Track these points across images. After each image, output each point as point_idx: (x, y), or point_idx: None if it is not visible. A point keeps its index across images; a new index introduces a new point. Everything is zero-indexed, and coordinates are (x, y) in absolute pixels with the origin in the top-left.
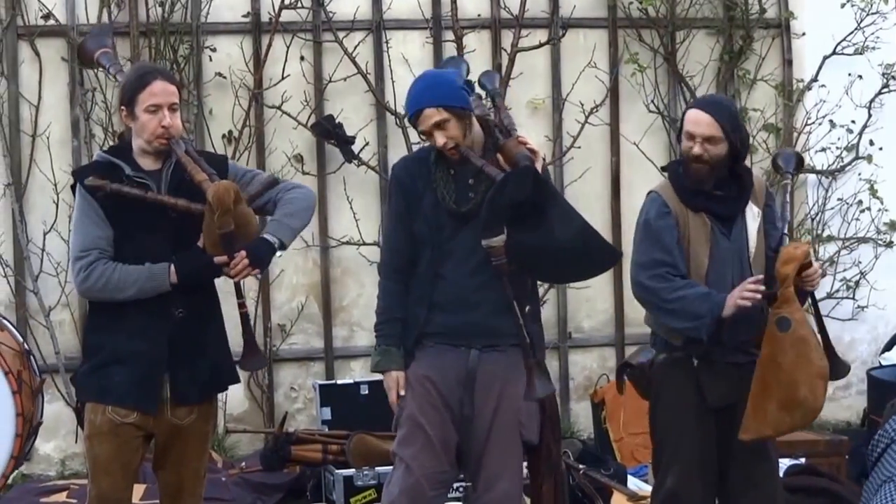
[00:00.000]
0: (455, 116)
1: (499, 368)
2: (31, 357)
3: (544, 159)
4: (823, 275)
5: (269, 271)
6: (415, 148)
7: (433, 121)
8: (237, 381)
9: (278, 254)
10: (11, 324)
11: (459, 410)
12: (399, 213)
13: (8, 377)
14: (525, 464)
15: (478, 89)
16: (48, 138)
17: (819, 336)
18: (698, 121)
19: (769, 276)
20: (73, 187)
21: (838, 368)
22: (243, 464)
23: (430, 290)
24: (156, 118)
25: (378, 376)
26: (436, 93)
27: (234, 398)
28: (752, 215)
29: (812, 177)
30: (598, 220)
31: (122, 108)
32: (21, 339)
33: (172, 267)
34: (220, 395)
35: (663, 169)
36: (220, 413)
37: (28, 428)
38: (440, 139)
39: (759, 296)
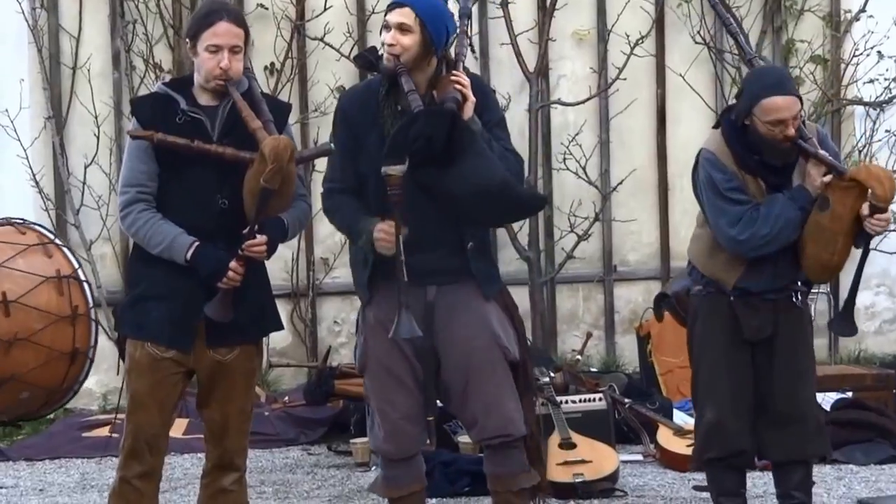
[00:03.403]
0: (422, 35)
1: (458, 299)
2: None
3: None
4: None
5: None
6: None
7: (401, 20)
8: (280, 327)
9: None
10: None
11: (422, 343)
12: (346, 148)
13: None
14: None
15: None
16: (89, 71)
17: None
18: (789, 105)
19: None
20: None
21: (843, 326)
22: (286, 398)
23: None
24: (215, 59)
25: None
26: (424, 4)
27: (278, 332)
28: (799, 172)
29: (860, 108)
30: (643, 152)
31: (187, 40)
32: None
33: (191, 249)
34: None
35: (715, 126)
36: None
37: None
38: (390, 38)
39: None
